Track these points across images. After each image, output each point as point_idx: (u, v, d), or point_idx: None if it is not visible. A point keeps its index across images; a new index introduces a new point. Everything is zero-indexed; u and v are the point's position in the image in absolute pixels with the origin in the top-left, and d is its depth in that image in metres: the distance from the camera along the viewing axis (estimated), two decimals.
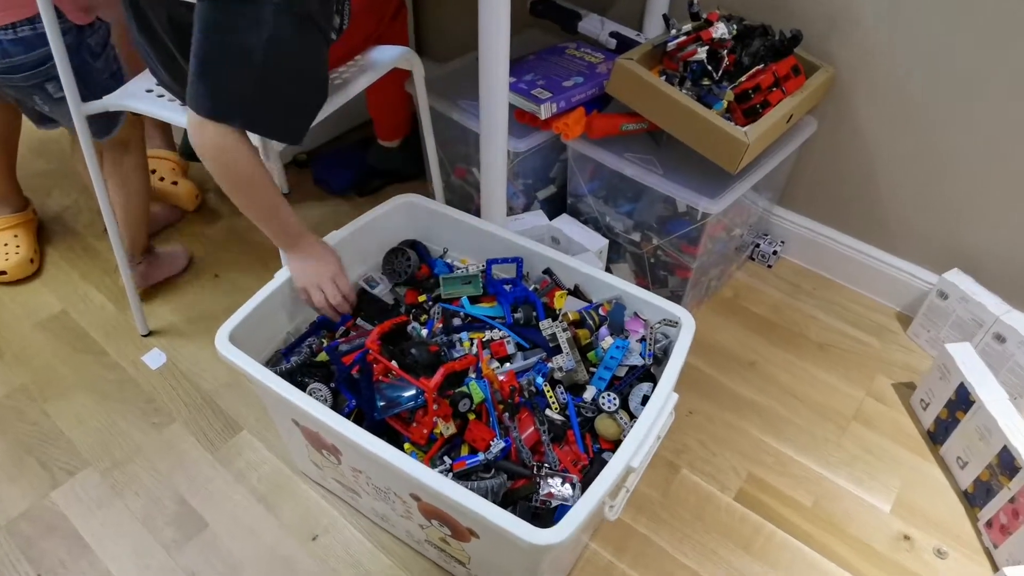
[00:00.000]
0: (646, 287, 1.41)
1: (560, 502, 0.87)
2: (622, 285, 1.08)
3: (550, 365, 0.99)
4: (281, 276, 1.07)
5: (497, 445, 0.88)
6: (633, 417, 0.97)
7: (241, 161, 0.91)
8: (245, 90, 0.86)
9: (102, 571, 1.07)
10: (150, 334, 1.43)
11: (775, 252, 1.60)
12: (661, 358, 1.03)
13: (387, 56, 1.24)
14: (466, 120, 1.42)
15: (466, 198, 1.61)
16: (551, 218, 1.45)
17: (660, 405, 0.91)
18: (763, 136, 1.18)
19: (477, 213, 1.58)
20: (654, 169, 1.29)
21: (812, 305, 1.54)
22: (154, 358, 1.39)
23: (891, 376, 1.40)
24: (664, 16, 1.31)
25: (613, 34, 1.46)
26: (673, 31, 1.29)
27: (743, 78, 1.25)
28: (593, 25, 1.50)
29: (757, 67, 1.27)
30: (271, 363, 1.04)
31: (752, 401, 1.34)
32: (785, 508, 1.18)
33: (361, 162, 1.74)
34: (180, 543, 1.10)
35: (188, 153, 1.67)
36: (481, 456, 0.88)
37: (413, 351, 0.97)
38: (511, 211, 1.47)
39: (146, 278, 1.47)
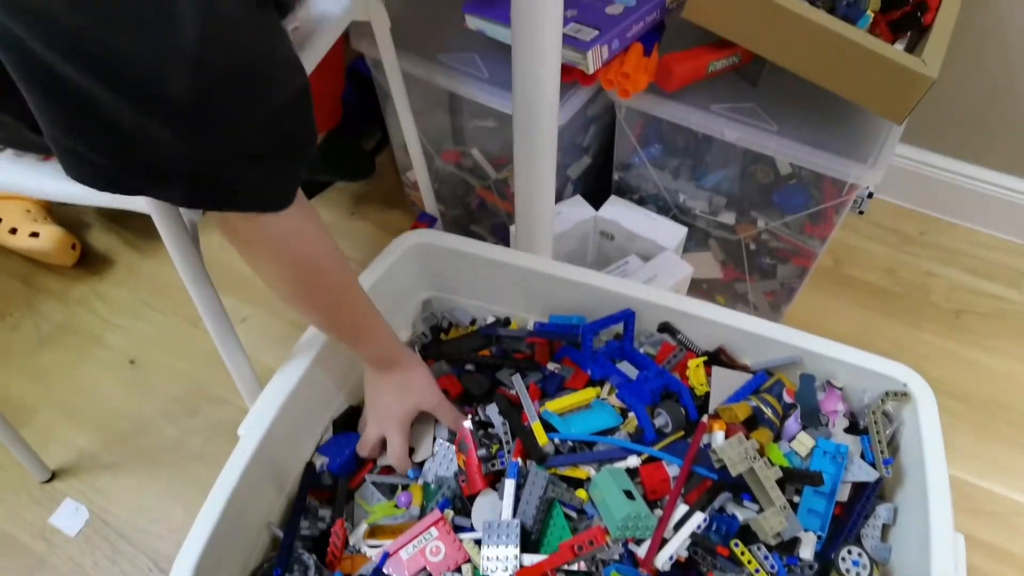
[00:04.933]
0: (742, 279, 1.03)
1: None
2: (794, 337, 0.69)
3: (739, 516, 0.61)
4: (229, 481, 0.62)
5: None
6: (875, 563, 0.62)
7: (310, 243, 0.57)
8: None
9: None
10: (53, 477, 0.97)
11: (869, 193, 1.24)
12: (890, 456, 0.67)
13: (338, 5, 0.77)
14: (456, 83, 0.95)
15: (461, 190, 1.16)
16: (594, 203, 1.03)
17: (951, 559, 0.55)
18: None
19: (478, 210, 1.15)
20: (763, 125, 0.87)
21: (928, 258, 1.20)
22: (68, 517, 0.93)
23: None
24: None
25: None
26: None
27: None
28: None
29: None
30: None
31: None
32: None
33: None
34: None
35: None
36: None
37: None
38: None
39: None
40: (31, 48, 0.35)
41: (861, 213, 1.26)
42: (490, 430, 0.70)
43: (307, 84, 0.45)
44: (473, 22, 0.92)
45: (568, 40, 0.83)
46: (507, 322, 0.82)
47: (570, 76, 0.87)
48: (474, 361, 0.76)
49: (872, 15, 0.80)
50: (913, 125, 1.12)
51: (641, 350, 0.74)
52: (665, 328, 0.73)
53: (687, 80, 0.86)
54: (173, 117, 0.39)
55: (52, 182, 0.58)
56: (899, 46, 0.82)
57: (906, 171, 1.21)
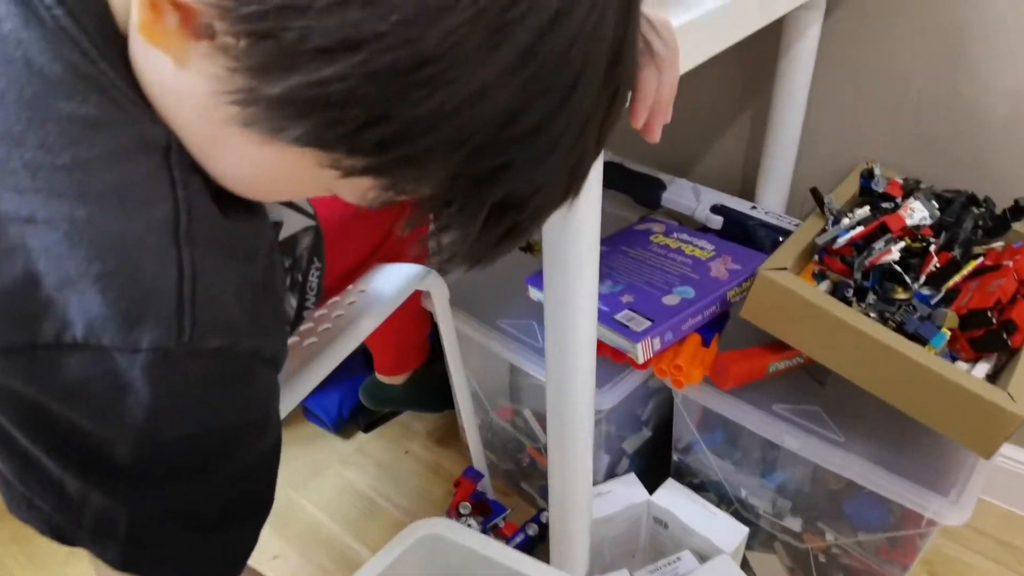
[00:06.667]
0: None
1: None
2: None
3: None
4: None
5: None
6: None
7: None
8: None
9: None
10: None
11: None
12: None
13: (398, 282, 0.81)
14: (510, 350, 0.95)
15: (513, 446, 1.12)
16: (649, 486, 0.96)
17: None
18: None
19: (529, 468, 1.11)
20: (830, 434, 0.81)
21: None
22: None
23: None
24: (814, 192, 0.87)
25: (717, 208, 1.02)
26: (831, 214, 0.85)
27: (958, 280, 0.79)
28: (683, 195, 1.06)
29: (977, 262, 0.81)
30: None
31: None
32: None
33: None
34: None
35: None
36: None
37: None
38: None
39: None
40: None
41: None
42: None
43: (278, 442, 0.44)
44: (535, 294, 0.94)
45: (620, 328, 0.83)
46: None
47: (622, 358, 0.86)
48: None
49: (948, 333, 0.74)
50: None
51: None
52: None
53: (744, 380, 0.82)
54: (114, 486, 0.37)
55: None
56: (983, 366, 0.75)
57: (1015, 474, 1.08)
